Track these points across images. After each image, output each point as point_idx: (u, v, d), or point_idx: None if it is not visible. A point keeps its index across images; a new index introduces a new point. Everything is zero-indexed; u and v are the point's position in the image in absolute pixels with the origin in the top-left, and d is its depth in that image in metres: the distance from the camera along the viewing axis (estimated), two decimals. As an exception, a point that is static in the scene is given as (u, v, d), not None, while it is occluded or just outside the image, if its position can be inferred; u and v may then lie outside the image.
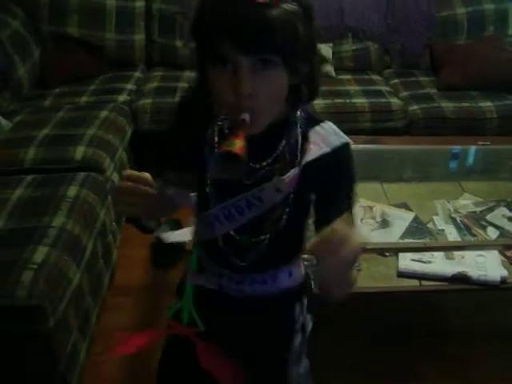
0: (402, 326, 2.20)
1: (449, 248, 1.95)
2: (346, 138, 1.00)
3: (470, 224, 2.07)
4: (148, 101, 2.98)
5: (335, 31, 3.47)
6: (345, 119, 2.96)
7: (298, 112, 1.01)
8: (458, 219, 2.10)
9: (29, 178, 2.16)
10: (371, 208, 2.13)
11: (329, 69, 3.37)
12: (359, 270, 1.81)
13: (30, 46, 3.15)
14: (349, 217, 0.95)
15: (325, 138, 0.99)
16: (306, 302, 1.19)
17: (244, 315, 1.14)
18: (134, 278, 2.47)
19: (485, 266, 1.84)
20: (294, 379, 1.19)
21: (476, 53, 3.29)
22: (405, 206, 2.16)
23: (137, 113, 2.95)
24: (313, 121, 1.02)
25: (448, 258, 1.89)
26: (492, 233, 2.04)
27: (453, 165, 2.65)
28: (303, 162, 0.99)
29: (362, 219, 2.07)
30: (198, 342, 1.12)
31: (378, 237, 1.98)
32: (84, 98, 2.99)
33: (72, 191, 2.08)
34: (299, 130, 1.00)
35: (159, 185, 0.96)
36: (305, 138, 1.00)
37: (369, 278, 1.82)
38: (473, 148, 2.65)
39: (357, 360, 2.01)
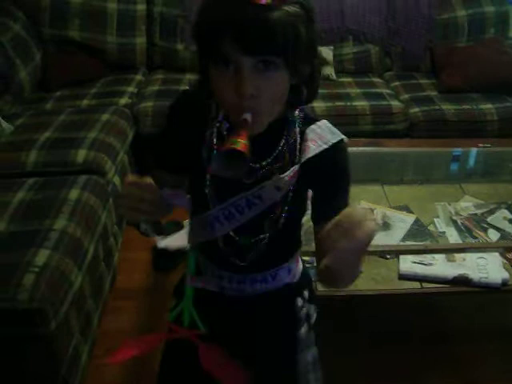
0: (404, 328, 2.20)
1: (450, 250, 1.95)
2: (341, 135, 1.03)
3: (471, 226, 2.07)
4: (149, 104, 2.99)
5: (336, 34, 3.48)
6: (346, 122, 2.96)
7: (296, 111, 1.03)
8: (458, 221, 2.10)
9: (30, 181, 2.17)
10: (372, 210, 2.13)
11: (330, 71, 3.37)
12: (361, 272, 1.81)
13: (32, 49, 3.16)
14: None
15: (321, 135, 1.01)
16: (307, 294, 1.20)
17: (246, 313, 1.15)
18: (136, 280, 2.47)
19: (486, 268, 1.84)
20: (303, 367, 1.20)
21: (477, 55, 3.30)
22: (406, 209, 2.16)
23: (138, 116, 2.96)
24: (309, 119, 1.04)
25: (449, 260, 1.89)
26: (493, 235, 2.04)
27: (454, 167, 2.65)
28: (302, 160, 1.01)
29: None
30: (200, 344, 1.12)
31: (379, 239, 1.98)
32: (85, 101, 3.00)
33: (73, 194, 2.09)
34: (297, 130, 1.02)
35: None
36: (302, 137, 1.02)
37: (370, 280, 1.82)
38: (474, 150, 2.65)
39: (358, 362, 2.01)
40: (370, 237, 0.75)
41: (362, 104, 3.08)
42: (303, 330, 1.19)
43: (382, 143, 2.63)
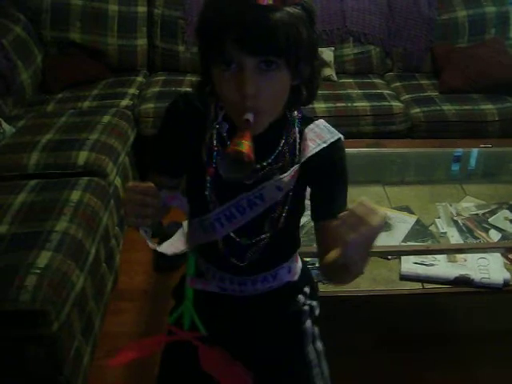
0: (405, 329, 2.20)
1: (451, 251, 1.95)
2: (338, 134, 1.05)
3: (473, 227, 2.07)
4: (150, 105, 2.99)
5: (337, 35, 3.48)
6: (347, 123, 2.96)
7: (295, 112, 1.04)
8: (460, 222, 2.10)
9: (32, 182, 2.17)
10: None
11: (330, 72, 3.37)
12: (362, 272, 1.81)
13: (33, 51, 3.17)
14: None
15: (320, 135, 1.03)
16: (308, 290, 1.21)
17: (247, 313, 1.15)
18: (137, 282, 2.48)
19: (487, 268, 1.84)
20: (313, 359, 1.20)
21: (477, 56, 3.30)
22: (407, 209, 2.16)
23: (139, 117, 2.96)
24: (307, 119, 1.06)
25: (450, 260, 1.89)
26: (494, 235, 2.04)
27: (455, 168, 2.65)
28: (302, 160, 1.02)
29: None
30: (200, 346, 1.12)
31: (380, 240, 1.98)
32: (86, 103, 3.00)
33: (75, 196, 2.09)
34: (297, 129, 1.04)
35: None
36: (302, 137, 1.04)
37: (371, 281, 1.82)
38: (475, 151, 2.65)
39: (359, 363, 2.01)
40: (377, 230, 0.81)
41: (362, 105, 3.08)
42: (308, 323, 1.20)
43: (383, 144, 2.63)
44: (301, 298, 1.19)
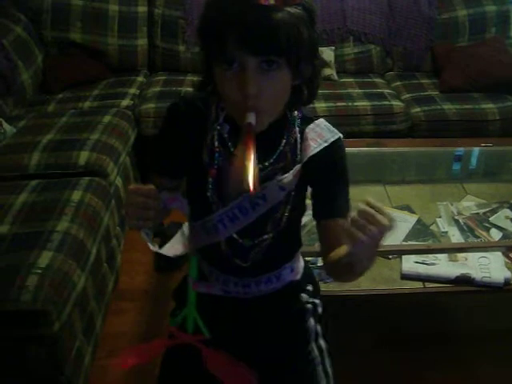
0: (406, 328, 2.20)
1: (452, 250, 1.95)
2: (338, 133, 1.05)
3: (474, 226, 2.07)
4: (151, 105, 3.00)
5: (337, 34, 3.48)
6: (347, 122, 2.97)
7: (295, 111, 1.04)
8: (461, 221, 2.10)
9: (33, 183, 2.17)
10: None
11: (331, 72, 3.37)
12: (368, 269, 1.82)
13: (33, 51, 3.17)
14: None
15: (321, 134, 1.04)
16: (311, 288, 1.21)
17: (251, 313, 1.15)
18: (138, 282, 2.48)
19: (488, 267, 1.84)
20: (317, 356, 1.20)
21: (478, 55, 3.30)
22: (408, 209, 2.16)
23: (140, 117, 2.96)
24: (307, 119, 1.06)
25: (451, 259, 1.89)
26: (495, 234, 2.04)
27: (455, 167, 2.65)
28: (304, 159, 1.02)
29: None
30: (204, 348, 1.11)
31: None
32: (87, 103, 3.00)
33: (76, 196, 2.09)
34: (297, 129, 1.04)
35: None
36: (302, 136, 1.04)
37: (372, 280, 1.82)
38: (475, 150, 2.65)
39: (360, 362, 2.01)
40: (386, 230, 0.81)
41: (363, 104, 3.08)
42: (311, 321, 1.20)
43: (384, 143, 2.63)
44: (304, 296, 1.19)
